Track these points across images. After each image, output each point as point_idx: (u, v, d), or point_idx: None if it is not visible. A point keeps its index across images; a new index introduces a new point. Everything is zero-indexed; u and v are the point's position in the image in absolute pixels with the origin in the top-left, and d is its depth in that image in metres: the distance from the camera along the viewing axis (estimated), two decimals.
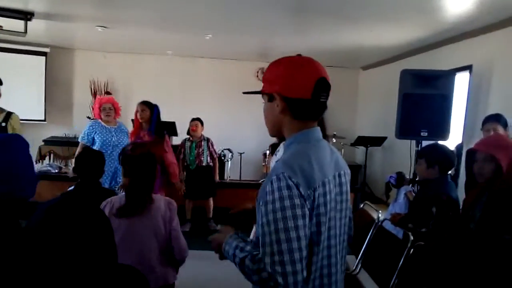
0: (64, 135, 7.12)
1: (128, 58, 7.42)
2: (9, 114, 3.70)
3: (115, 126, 4.30)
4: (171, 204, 2.11)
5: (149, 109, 4.20)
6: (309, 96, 1.23)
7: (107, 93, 7.15)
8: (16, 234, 0.97)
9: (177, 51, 7.11)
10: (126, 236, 1.93)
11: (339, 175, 1.30)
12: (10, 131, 3.57)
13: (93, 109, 6.66)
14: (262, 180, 6.50)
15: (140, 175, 2.00)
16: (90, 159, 2.37)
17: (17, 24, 4.86)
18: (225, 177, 6.34)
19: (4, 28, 4.99)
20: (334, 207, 1.25)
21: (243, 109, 7.51)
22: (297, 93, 1.24)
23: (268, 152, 6.50)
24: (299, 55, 1.31)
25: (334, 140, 6.79)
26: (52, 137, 6.91)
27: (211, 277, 3.71)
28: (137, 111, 4.23)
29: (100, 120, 4.25)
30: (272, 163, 2.62)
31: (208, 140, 5.26)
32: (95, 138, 4.20)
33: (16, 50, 6.79)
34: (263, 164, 6.84)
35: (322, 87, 1.25)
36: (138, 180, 2.00)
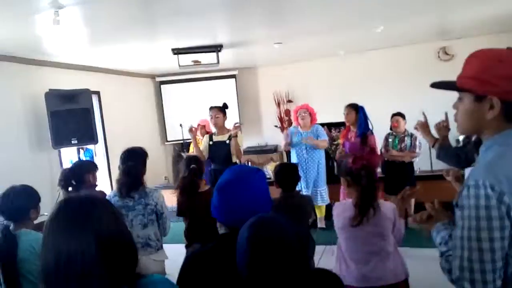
0: (257, 145, 7.98)
1: (303, 65, 7.81)
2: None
3: (308, 130, 4.83)
4: (395, 210, 2.22)
5: (354, 111, 4.42)
6: None
7: (289, 101, 7.71)
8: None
9: (348, 49, 7.14)
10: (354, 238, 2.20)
11: None
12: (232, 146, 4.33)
13: (279, 119, 7.36)
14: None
15: (364, 187, 2.15)
16: (286, 172, 2.69)
17: (210, 57, 5.74)
18: (415, 170, 6.04)
19: (202, 62, 5.96)
20: None
21: (426, 95, 6.99)
22: None
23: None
24: (509, 48, 1.18)
25: None
26: (248, 147, 7.82)
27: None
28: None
29: (298, 126, 4.84)
30: None
31: (411, 135, 5.10)
32: (292, 140, 4.91)
33: (211, 77, 7.96)
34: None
35: None
36: (363, 191, 2.16)
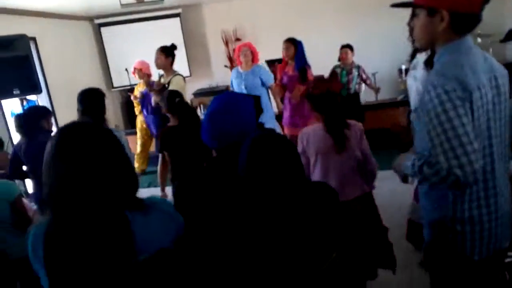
0: (208, 86, 7.90)
1: (250, 2, 7.63)
2: (174, 77, 4.34)
3: (248, 70, 4.64)
4: (357, 126, 2.32)
5: (293, 45, 4.39)
6: (477, 11, 1.28)
7: (237, 39, 7.59)
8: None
9: None
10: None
11: (495, 78, 1.33)
12: None
13: (228, 58, 7.20)
14: (400, 97, 6.29)
15: (330, 112, 2.18)
16: None
17: None
18: (361, 100, 6.30)
19: (145, 0, 5.66)
20: (492, 109, 1.30)
21: (371, 26, 7.17)
22: (467, 8, 1.27)
23: (403, 67, 6.21)
24: None
25: (480, 40, 6.11)
26: (199, 89, 7.72)
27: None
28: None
29: (239, 66, 4.72)
30: (409, 78, 2.61)
31: (359, 67, 5.24)
32: (233, 83, 4.79)
33: (153, 17, 7.58)
34: (399, 80, 6.58)
35: (487, 1, 1.28)
36: (327, 119, 2.19)
